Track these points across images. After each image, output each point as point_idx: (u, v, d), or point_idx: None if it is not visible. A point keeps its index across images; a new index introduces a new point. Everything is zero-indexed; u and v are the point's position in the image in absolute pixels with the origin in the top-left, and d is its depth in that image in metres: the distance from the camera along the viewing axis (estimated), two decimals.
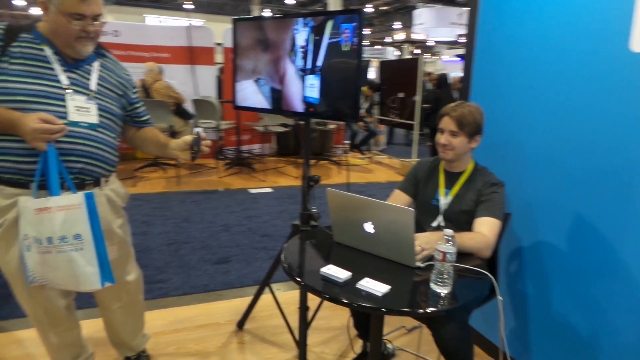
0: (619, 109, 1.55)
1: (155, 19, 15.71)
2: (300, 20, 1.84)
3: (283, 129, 6.21)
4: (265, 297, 2.37)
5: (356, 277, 1.37)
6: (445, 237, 1.32)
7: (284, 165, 6.52)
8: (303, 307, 1.91)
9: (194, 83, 6.55)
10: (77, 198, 1.41)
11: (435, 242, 1.35)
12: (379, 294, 1.30)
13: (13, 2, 17.92)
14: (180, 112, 5.68)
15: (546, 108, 1.83)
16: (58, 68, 1.44)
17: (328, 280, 1.39)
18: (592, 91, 1.64)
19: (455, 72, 10.85)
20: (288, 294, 2.67)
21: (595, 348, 1.69)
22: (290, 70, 1.91)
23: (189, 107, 5.94)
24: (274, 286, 2.32)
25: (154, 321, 2.33)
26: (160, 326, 2.35)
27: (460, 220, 1.74)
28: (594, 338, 1.70)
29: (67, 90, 1.44)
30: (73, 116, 1.44)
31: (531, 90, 1.89)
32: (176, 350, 2.18)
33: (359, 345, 2.18)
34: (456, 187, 1.78)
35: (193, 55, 6.51)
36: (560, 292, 1.82)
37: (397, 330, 2.34)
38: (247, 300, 2.39)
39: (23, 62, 1.39)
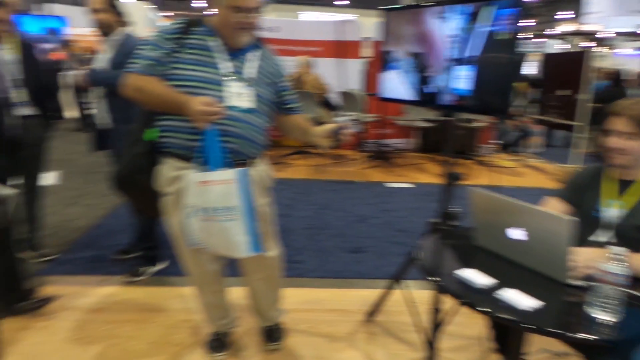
0: None
1: (308, 16, 16.55)
2: (455, 7, 1.75)
3: (427, 124, 6.04)
4: (397, 292, 2.35)
5: (498, 286, 1.28)
6: (614, 255, 1.15)
7: (425, 162, 6.36)
8: (435, 308, 1.84)
9: (341, 76, 6.76)
10: (232, 174, 1.55)
11: (598, 260, 1.18)
12: (524, 308, 1.18)
13: (192, 4, 20.56)
14: (325, 103, 5.92)
15: None
16: (222, 57, 1.61)
17: (466, 285, 1.31)
18: None
19: (632, 66, 9.29)
20: (421, 293, 2.60)
21: None
22: (440, 60, 1.84)
23: (336, 99, 6.15)
24: (407, 283, 2.29)
25: (290, 298, 2.48)
26: (295, 303, 2.49)
27: (635, 237, 1.48)
28: None
29: (228, 77, 1.61)
30: (232, 101, 1.60)
31: None
32: (308, 328, 2.30)
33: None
34: (631, 198, 1.53)
35: (342, 48, 6.71)
36: None
37: (540, 353, 2.12)
38: (378, 292, 2.40)
39: (195, 52, 1.60)
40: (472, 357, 2.12)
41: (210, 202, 1.57)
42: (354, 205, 4.35)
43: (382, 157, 6.22)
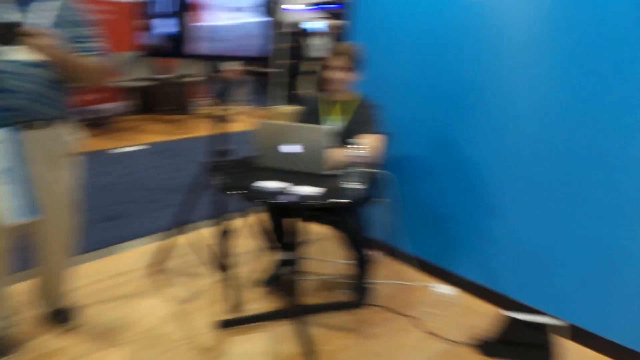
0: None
1: None
2: None
3: (144, 84, 5.89)
4: (176, 239, 2.50)
5: (290, 186, 1.68)
6: (353, 146, 1.69)
7: (148, 123, 6.28)
8: (226, 230, 2.13)
9: None
10: None
11: (346, 153, 1.71)
12: (313, 194, 1.62)
13: None
14: None
15: None
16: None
17: (266, 191, 1.66)
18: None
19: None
20: (197, 234, 2.80)
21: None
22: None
23: None
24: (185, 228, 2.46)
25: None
26: (77, 281, 2.28)
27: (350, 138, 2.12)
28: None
29: None
30: (9, 54, 1.46)
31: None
32: (101, 298, 2.23)
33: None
34: (347, 113, 2.16)
35: None
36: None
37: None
38: (148, 247, 2.62)
39: None
40: (253, 267, 2.53)
41: None
42: (90, 178, 4.02)
43: (99, 124, 5.77)
